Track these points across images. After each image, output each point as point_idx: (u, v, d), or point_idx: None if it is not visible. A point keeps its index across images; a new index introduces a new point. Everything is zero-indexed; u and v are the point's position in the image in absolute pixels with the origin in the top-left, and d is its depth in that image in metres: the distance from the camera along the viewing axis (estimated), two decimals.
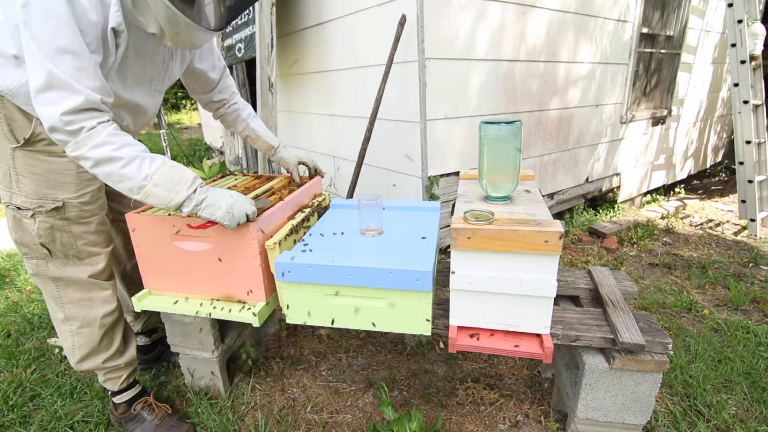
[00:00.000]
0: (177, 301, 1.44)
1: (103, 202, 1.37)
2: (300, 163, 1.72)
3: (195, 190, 1.14)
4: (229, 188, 1.62)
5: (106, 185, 1.37)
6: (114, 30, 1.05)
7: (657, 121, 3.92)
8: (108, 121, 1.07)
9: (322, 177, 1.80)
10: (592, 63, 3.13)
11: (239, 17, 3.84)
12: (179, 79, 1.50)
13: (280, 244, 1.30)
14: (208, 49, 1.48)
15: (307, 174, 1.80)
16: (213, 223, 1.21)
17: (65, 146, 1.04)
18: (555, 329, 1.25)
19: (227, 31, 4.26)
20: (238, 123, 1.67)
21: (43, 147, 1.19)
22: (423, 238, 1.39)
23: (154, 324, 1.82)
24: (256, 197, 1.51)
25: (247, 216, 1.22)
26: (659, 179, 4.30)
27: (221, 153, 6.02)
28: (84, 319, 1.36)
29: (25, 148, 1.17)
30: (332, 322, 1.30)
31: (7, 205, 1.23)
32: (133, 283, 1.62)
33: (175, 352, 1.64)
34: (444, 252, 2.61)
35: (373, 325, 1.27)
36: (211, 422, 1.52)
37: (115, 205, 1.51)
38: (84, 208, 1.28)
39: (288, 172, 1.74)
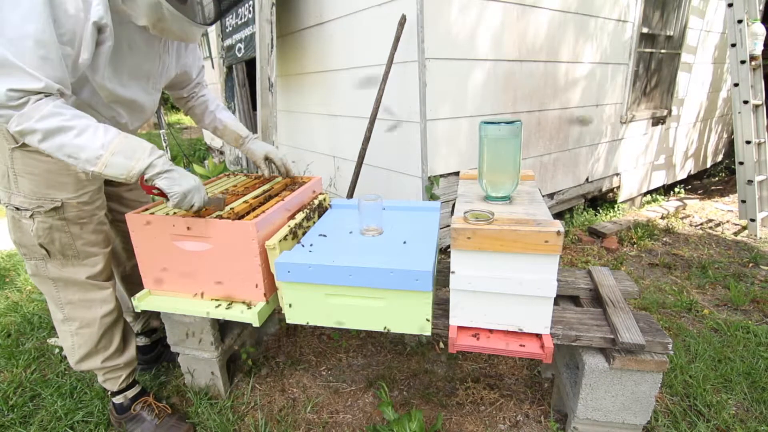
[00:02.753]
0: (177, 301, 1.44)
1: (102, 203, 1.37)
2: (266, 158, 1.67)
3: (158, 157, 1.12)
4: (227, 188, 1.63)
5: (105, 185, 1.37)
6: (97, 24, 1.03)
7: (657, 121, 3.92)
8: (53, 97, 1.02)
9: (290, 177, 1.70)
10: (592, 63, 3.13)
11: (239, 17, 3.85)
12: None
13: (280, 244, 1.30)
14: (192, 47, 1.49)
15: (275, 172, 1.75)
16: (161, 193, 1.17)
17: (8, 121, 0.99)
18: (555, 329, 1.25)
19: (227, 30, 4.26)
20: (206, 115, 1.65)
21: None
22: (422, 241, 1.39)
23: (154, 324, 1.82)
24: (223, 191, 1.49)
25: (192, 206, 1.22)
26: (659, 179, 4.30)
27: (221, 153, 6.02)
28: (83, 319, 1.36)
29: (24, 148, 1.17)
30: (332, 322, 1.30)
31: (6, 206, 1.23)
32: (133, 283, 1.62)
33: (175, 352, 1.64)
34: (444, 252, 2.61)
35: (374, 325, 1.27)
36: (211, 422, 1.52)
37: (115, 206, 1.51)
38: (83, 208, 1.28)
39: (256, 166, 1.71)
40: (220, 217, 1.30)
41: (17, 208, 1.21)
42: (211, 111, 1.65)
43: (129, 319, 1.70)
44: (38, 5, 0.94)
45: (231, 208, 1.38)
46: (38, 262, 1.29)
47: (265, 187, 1.65)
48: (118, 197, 1.52)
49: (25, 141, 1.03)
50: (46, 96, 1.00)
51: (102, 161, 1.04)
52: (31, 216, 1.22)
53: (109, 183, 1.43)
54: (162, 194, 1.17)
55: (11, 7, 0.93)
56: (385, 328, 1.26)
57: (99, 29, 1.05)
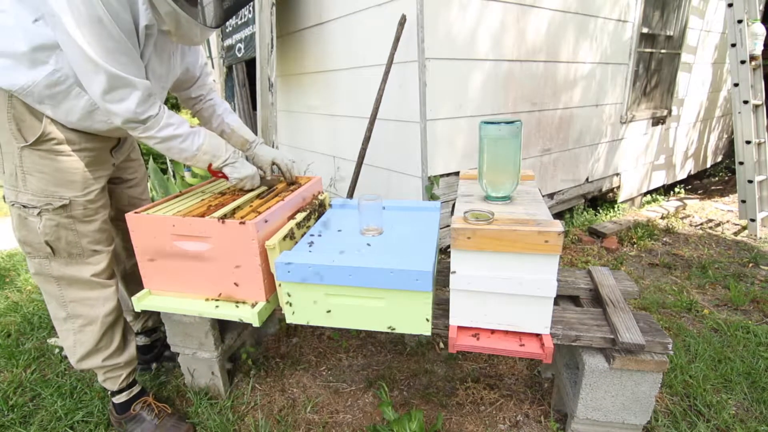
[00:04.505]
0: (177, 301, 1.44)
1: (106, 201, 1.38)
2: (273, 163, 1.69)
3: (231, 152, 1.43)
4: (229, 187, 1.63)
5: (107, 184, 1.39)
6: (146, 27, 1.12)
7: (657, 121, 3.92)
8: (160, 105, 1.24)
9: (293, 182, 1.71)
10: (592, 63, 3.13)
11: (239, 17, 3.85)
12: None
13: (280, 244, 1.30)
14: (195, 46, 1.51)
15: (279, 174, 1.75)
16: (224, 176, 1.48)
17: (134, 131, 1.21)
18: (555, 329, 1.25)
19: (227, 30, 4.26)
20: (214, 118, 1.67)
21: (51, 146, 1.19)
22: (422, 241, 1.39)
23: (153, 324, 1.82)
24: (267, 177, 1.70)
25: (244, 187, 1.54)
26: (659, 179, 4.30)
27: None
28: (86, 317, 1.36)
29: (34, 147, 1.18)
30: (332, 322, 1.30)
31: (13, 204, 1.23)
32: (133, 282, 1.62)
33: (175, 352, 1.64)
34: (444, 252, 2.61)
35: (374, 325, 1.27)
36: (211, 422, 1.52)
37: (116, 204, 1.51)
38: (89, 206, 1.29)
39: (261, 170, 1.72)
40: (222, 217, 1.31)
41: (24, 206, 1.22)
42: (219, 114, 1.66)
43: (129, 318, 1.70)
44: (105, 19, 1.02)
45: (238, 207, 1.41)
46: (42, 261, 1.30)
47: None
48: (119, 196, 1.52)
49: (142, 141, 1.28)
50: (159, 108, 1.22)
51: (196, 158, 1.35)
52: (38, 214, 1.22)
53: (110, 181, 1.44)
54: (225, 176, 1.48)
55: (85, 28, 1.02)
56: (388, 328, 1.26)
57: (147, 30, 1.13)
